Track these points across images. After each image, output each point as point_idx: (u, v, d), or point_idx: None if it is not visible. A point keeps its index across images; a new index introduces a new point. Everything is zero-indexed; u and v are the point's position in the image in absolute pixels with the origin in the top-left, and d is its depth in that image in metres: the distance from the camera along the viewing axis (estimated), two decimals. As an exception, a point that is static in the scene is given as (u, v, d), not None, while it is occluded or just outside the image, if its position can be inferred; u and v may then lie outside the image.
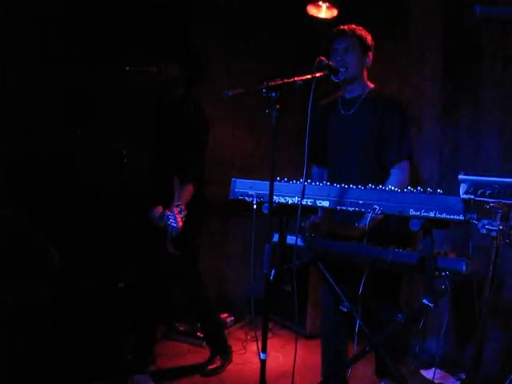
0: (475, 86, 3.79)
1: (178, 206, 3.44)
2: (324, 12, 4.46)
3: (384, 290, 3.16)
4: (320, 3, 4.40)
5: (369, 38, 3.12)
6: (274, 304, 2.55)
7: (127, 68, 3.24)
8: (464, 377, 3.72)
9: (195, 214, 3.58)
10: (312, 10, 4.46)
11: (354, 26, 3.10)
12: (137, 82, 3.39)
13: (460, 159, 3.89)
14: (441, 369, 3.82)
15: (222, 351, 3.90)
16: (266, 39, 4.99)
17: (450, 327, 3.89)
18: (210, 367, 3.81)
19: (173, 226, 3.41)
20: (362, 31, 3.10)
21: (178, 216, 3.41)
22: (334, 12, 4.46)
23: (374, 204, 2.34)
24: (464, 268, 2.27)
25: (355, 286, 2.64)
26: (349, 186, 2.43)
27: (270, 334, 4.28)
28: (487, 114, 3.70)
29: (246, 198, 2.66)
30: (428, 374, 3.82)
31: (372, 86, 3.16)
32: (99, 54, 4.03)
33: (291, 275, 2.60)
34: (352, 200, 2.40)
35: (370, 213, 2.36)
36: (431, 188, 2.24)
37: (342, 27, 3.11)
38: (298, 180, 2.57)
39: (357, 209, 2.39)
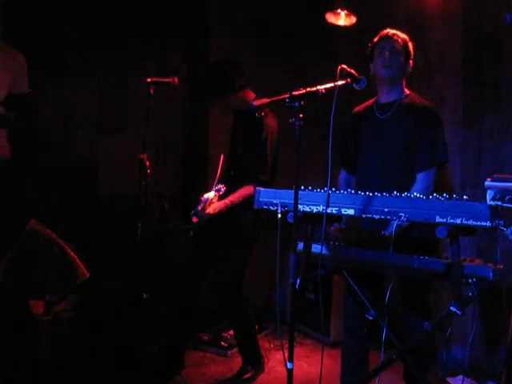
0: (497, 91, 3.77)
1: (216, 185, 3.56)
2: (343, 19, 4.45)
3: (412, 297, 3.14)
4: (339, 10, 4.39)
5: (411, 46, 3.17)
6: (298, 313, 2.54)
7: (148, 79, 3.26)
8: (491, 384, 3.69)
9: (246, 229, 3.65)
10: (331, 18, 4.46)
11: (399, 32, 3.16)
12: (161, 93, 3.41)
13: (482, 165, 3.87)
14: (468, 377, 3.78)
15: (255, 363, 3.89)
16: (285, 48, 5.00)
17: (476, 334, 3.85)
18: (244, 377, 3.81)
19: (198, 212, 3.48)
20: (406, 37, 3.16)
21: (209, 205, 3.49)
22: (353, 19, 4.45)
23: (400, 211, 2.33)
24: (491, 275, 2.26)
25: (381, 294, 2.64)
26: (374, 194, 2.42)
27: (294, 343, 4.26)
28: (509, 118, 3.68)
29: (271, 208, 2.67)
30: (455, 382, 3.78)
31: (408, 92, 3.18)
32: (124, 66, 4.09)
33: (315, 284, 2.60)
34: (377, 208, 2.39)
35: (395, 220, 2.35)
36: (455, 195, 2.23)
37: (390, 31, 3.16)
38: (322, 188, 2.57)
39: (382, 216, 2.38)
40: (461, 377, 3.79)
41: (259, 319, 4.73)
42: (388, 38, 3.14)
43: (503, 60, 3.72)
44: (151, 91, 3.23)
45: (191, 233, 3.62)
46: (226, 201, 3.55)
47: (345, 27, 4.50)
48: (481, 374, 3.76)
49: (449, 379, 3.80)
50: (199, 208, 3.51)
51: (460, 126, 4.01)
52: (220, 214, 3.54)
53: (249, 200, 3.42)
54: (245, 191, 3.55)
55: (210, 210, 3.49)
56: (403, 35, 3.16)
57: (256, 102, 2.35)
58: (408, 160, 3.05)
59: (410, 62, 3.18)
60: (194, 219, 3.50)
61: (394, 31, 3.16)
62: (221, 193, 3.51)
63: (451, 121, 4.04)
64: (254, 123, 3.64)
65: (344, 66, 2.60)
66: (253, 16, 4.88)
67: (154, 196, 3.49)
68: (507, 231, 1.87)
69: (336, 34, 4.72)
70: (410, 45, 3.17)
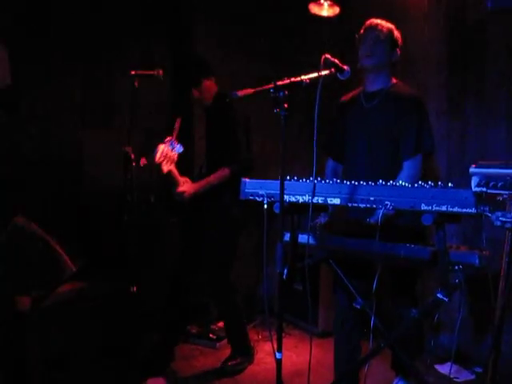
0: (480, 79, 3.78)
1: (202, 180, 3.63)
2: (326, 10, 4.45)
3: (400, 285, 3.15)
4: (322, 1, 4.38)
5: (397, 34, 3.15)
6: (285, 303, 2.54)
7: (133, 72, 3.24)
8: (478, 370, 3.72)
9: (233, 216, 3.69)
10: (314, 9, 4.45)
11: (384, 21, 3.14)
12: (145, 86, 3.39)
13: (467, 152, 3.89)
14: (456, 364, 3.81)
15: (244, 353, 3.90)
16: (268, 38, 4.99)
17: (463, 321, 3.87)
18: (230, 363, 3.82)
19: (178, 192, 3.58)
20: (391, 26, 3.14)
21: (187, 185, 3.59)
22: (336, 10, 4.45)
23: (386, 200, 2.33)
24: (477, 261, 2.27)
25: (368, 282, 2.64)
26: (359, 183, 2.42)
27: (282, 334, 4.28)
28: (493, 107, 3.69)
29: (257, 198, 2.66)
30: (443, 368, 3.81)
31: (395, 81, 3.17)
32: (108, 59, 4.06)
33: (302, 274, 2.60)
34: (363, 197, 2.39)
35: (381, 209, 2.36)
36: (440, 182, 2.24)
37: (373, 20, 3.14)
38: (308, 178, 2.57)
39: (368, 205, 2.38)
40: (448, 364, 3.82)
41: (247, 311, 4.75)
42: (371, 27, 3.12)
43: (487, 48, 3.73)
44: (136, 84, 3.22)
45: (152, 199, 3.66)
46: (202, 182, 3.63)
47: (328, 17, 4.50)
48: (468, 361, 3.79)
49: (436, 366, 3.83)
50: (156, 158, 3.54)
51: (445, 116, 4.03)
52: (203, 202, 3.62)
53: (229, 186, 3.56)
54: (220, 172, 3.63)
55: (186, 189, 3.55)
56: (388, 24, 3.14)
57: (240, 92, 2.34)
58: (394, 148, 3.05)
59: (397, 50, 3.15)
60: (143, 161, 3.53)
61: (378, 21, 3.14)
62: (175, 149, 3.54)
63: (436, 110, 4.06)
64: (220, 113, 3.74)
65: (328, 56, 2.59)
66: (237, 7, 4.84)
67: (139, 189, 3.46)
68: (492, 217, 1.88)
69: (321, 25, 4.71)
70: (396, 33, 3.15)
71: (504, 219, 1.79)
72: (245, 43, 4.88)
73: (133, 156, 3.19)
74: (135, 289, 3.11)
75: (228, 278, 3.81)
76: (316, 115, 2.39)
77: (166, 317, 3.83)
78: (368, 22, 3.16)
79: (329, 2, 4.42)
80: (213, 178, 3.64)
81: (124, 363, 3.38)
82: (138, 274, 3.23)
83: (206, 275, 3.87)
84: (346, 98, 3.35)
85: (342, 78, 3.00)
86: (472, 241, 3.62)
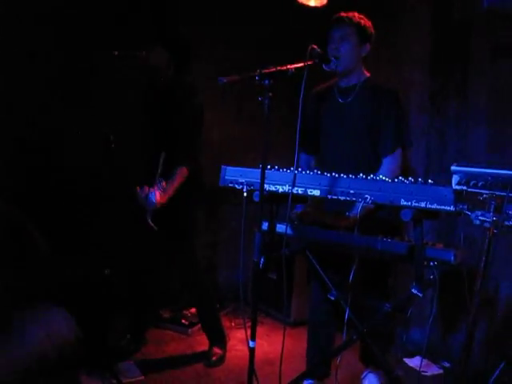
0: (463, 77, 3.80)
1: (159, 182, 3.47)
2: (313, 0, 4.42)
3: (372, 279, 3.17)
4: (309, -9, 4.36)
5: (368, 27, 3.06)
6: (259, 292, 2.54)
7: (116, 52, 3.19)
8: (447, 365, 3.77)
9: (190, 199, 3.59)
10: (301, -2, 4.42)
11: (353, 14, 3.05)
12: (125, 67, 3.34)
13: (447, 150, 3.91)
14: (425, 358, 3.86)
15: (220, 340, 3.89)
16: (255, 26, 4.94)
17: (435, 317, 3.92)
18: (213, 358, 3.78)
19: (151, 201, 3.43)
20: (361, 19, 3.04)
21: (157, 192, 3.45)
22: (324, 0, 4.42)
23: (365, 193, 2.34)
24: (452, 258, 2.29)
25: (344, 274, 2.65)
26: (340, 176, 2.42)
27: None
28: (474, 105, 3.72)
29: (236, 186, 2.65)
30: (412, 362, 3.85)
31: (368, 74, 3.14)
32: (88, 39, 3.98)
33: (277, 264, 2.60)
34: (343, 189, 2.40)
35: (360, 202, 2.36)
36: (420, 178, 2.25)
37: (340, 14, 3.06)
38: (288, 168, 2.57)
39: (348, 198, 2.39)
40: (418, 357, 3.87)
41: (222, 298, 4.75)
42: (337, 24, 3.04)
43: (471, 47, 3.74)
44: (117, 65, 3.18)
45: None
46: (169, 190, 3.53)
47: (316, 8, 4.47)
48: (437, 356, 3.83)
49: (406, 360, 3.87)
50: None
51: (426, 112, 4.04)
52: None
53: (188, 183, 3.53)
54: (180, 174, 3.54)
55: (158, 199, 3.49)
56: (356, 17, 3.04)
57: (226, 79, 2.32)
58: (372, 143, 3.04)
59: (368, 43, 3.08)
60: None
61: (344, 15, 3.05)
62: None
63: (418, 107, 4.08)
64: (177, 99, 3.61)
65: (314, 46, 2.58)
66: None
67: (118, 171, 3.42)
68: (472, 216, 1.89)
69: (307, 15, 4.68)
70: (366, 24, 3.06)
71: (483, 218, 1.80)
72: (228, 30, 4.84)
73: (111, 138, 3.15)
74: (107, 272, 3.09)
75: (197, 266, 3.79)
76: (300, 105, 2.39)
77: (136, 301, 3.81)
78: (334, 18, 3.08)
79: (316, -8, 4.40)
80: (177, 184, 3.54)
81: (94, 347, 3.35)
82: (111, 258, 3.21)
83: (177, 264, 3.86)
84: (319, 89, 3.30)
85: (327, 69, 3.01)
86: (446, 238, 3.65)
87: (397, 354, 3.90)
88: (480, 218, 1.81)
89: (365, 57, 3.12)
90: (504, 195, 1.67)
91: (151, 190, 3.48)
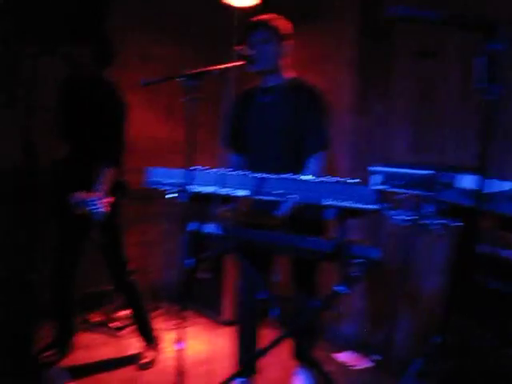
0: (388, 79, 3.90)
1: (100, 190, 3.37)
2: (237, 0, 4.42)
3: (301, 275, 3.22)
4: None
5: (286, 27, 3.10)
6: (190, 292, 2.53)
7: (36, 50, 3.09)
8: (378, 358, 3.86)
9: (115, 199, 3.52)
10: (227, -2, 4.41)
11: (268, 17, 3.08)
12: (47, 66, 3.24)
13: (373, 150, 4.00)
14: (355, 351, 3.95)
15: (150, 341, 3.85)
16: (182, 25, 4.92)
17: (363, 312, 4.02)
18: (144, 361, 3.74)
19: (97, 212, 3.33)
20: (277, 21, 3.07)
21: (101, 201, 3.33)
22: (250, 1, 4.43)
23: (292, 193, 2.36)
24: (377, 255, 2.34)
25: (272, 273, 2.67)
26: (266, 176, 2.44)
27: (186, 323, 4.27)
28: (399, 107, 3.82)
29: (163, 187, 2.63)
30: (342, 357, 3.93)
31: (292, 74, 3.17)
32: (8, 35, 3.84)
33: (207, 264, 2.60)
34: (270, 190, 2.41)
35: (287, 202, 2.38)
36: (346, 178, 2.29)
37: (256, 18, 3.08)
38: (215, 168, 2.56)
39: (274, 198, 2.41)
40: (347, 352, 3.96)
41: (152, 299, 4.70)
42: (255, 27, 3.06)
43: (393, 47, 3.84)
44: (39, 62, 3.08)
45: None
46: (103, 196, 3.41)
47: (243, 8, 4.48)
48: (367, 349, 3.93)
49: (336, 355, 3.95)
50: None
51: (352, 113, 4.13)
52: None
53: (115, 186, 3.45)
54: (110, 176, 3.45)
55: (104, 208, 3.39)
56: (272, 19, 3.06)
57: (147, 81, 2.30)
58: (296, 143, 3.08)
59: (287, 43, 3.10)
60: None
61: (260, 18, 3.07)
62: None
63: (344, 107, 4.15)
64: (99, 98, 3.50)
65: (238, 47, 2.58)
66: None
67: (43, 171, 3.32)
68: (391, 214, 1.94)
69: (234, 15, 4.68)
70: (284, 24, 3.08)
71: (402, 217, 1.85)
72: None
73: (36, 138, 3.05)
74: (32, 277, 3.00)
75: (125, 268, 3.73)
76: (225, 106, 2.39)
77: (62, 305, 3.72)
78: (250, 22, 3.10)
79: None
80: (108, 187, 3.42)
81: (21, 354, 3.25)
82: (37, 262, 3.12)
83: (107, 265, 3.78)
84: (246, 89, 3.32)
85: (249, 71, 3.02)
86: (373, 236, 3.74)
87: (328, 349, 3.98)
88: (399, 217, 1.86)
89: (290, 57, 3.14)
90: (420, 194, 1.72)
91: (91, 198, 3.34)
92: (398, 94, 3.83)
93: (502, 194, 1.27)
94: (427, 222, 1.75)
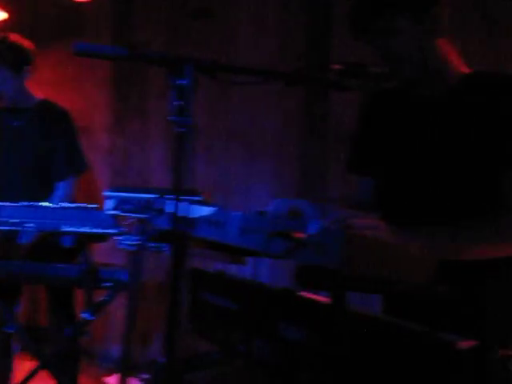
0: (144, 98, 3.97)
1: None
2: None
3: (57, 304, 3.11)
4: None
5: (22, 52, 2.93)
6: None
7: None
8: (146, 377, 3.88)
9: None
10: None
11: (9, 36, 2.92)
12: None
13: (130, 169, 4.03)
14: (124, 373, 3.92)
15: None
16: None
17: (130, 332, 4.01)
18: None
19: None
20: (14, 48, 2.89)
21: None
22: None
23: (29, 222, 2.30)
24: (125, 277, 2.38)
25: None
26: (2, 204, 2.34)
27: None
28: (154, 126, 3.90)
29: None
30: (112, 380, 3.88)
31: (41, 97, 3.06)
32: None
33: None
34: (5, 219, 2.33)
35: (24, 231, 2.31)
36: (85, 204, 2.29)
37: None
38: None
39: (11, 228, 2.32)
40: (116, 375, 3.92)
41: None
42: None
43: (148, 71, 3.92)
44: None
45: None
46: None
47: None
48: (136, 369, 3.93)
49: (105, 378, 3.89)
50: None
51: (110, 132, 4.13)
52: None
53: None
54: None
55: None
56: (8, 46, 2.88)
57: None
58: (43, 169, 2.99)
59: (27, 67, 2.96)
60: None
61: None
62: None
63: (101, 126, 4.14)
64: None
65: None
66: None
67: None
68: (119, 239, 1.97)
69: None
70: (21, 51, 2.92)
71: (128, 242, 1.90)
72: None
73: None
74: None
75: None
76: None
77: None
78: None
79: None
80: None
81: None
82: None
83: None
84: None
85: None
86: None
87: (98, 373, 3.91)
88: (126, 242, 1.91)
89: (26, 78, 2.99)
90: (146, 217, 1.78)
91: None
92: (154, 115, 3.92)
93: (203, 218, 1.37)
94: (150, 245, 1.82)
